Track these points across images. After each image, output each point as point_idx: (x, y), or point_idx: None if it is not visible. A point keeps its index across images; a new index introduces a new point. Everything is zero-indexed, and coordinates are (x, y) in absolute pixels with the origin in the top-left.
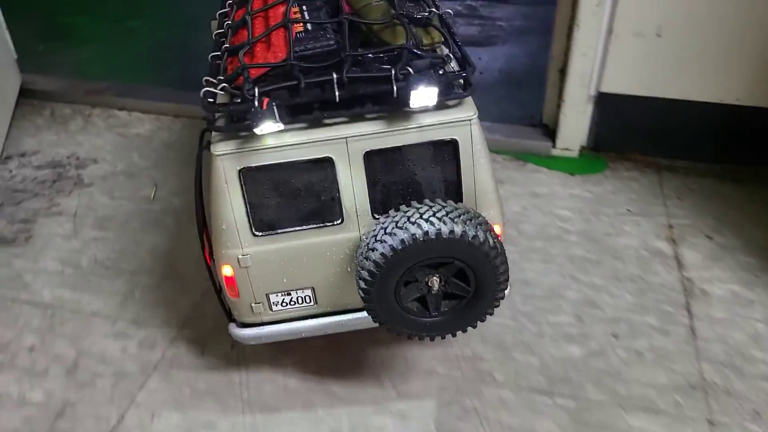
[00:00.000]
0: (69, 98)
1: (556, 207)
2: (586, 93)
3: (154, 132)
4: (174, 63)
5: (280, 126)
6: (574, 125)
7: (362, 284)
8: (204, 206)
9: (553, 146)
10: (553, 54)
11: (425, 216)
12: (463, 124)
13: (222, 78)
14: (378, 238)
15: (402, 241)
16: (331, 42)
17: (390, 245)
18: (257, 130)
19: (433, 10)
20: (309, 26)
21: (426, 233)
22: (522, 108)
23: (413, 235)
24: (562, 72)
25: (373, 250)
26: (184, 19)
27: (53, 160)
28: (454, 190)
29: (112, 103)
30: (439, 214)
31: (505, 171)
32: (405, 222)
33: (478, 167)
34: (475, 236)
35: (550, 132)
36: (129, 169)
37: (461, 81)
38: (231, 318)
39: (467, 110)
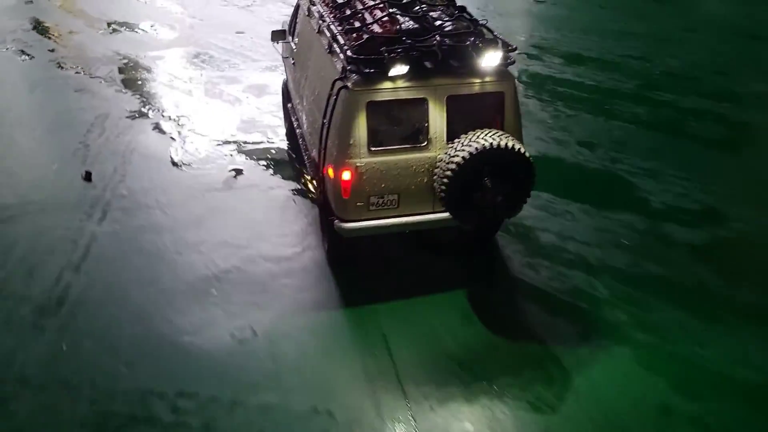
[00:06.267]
0: None
1: None
2: None
3: None
4: None
5: (405, 69)
6: None
7: (445, 181)
8: (326, 134)
9: None
10: None
11: (489, 136)
12: (509, 82)
13: (354, 44)
14: (457, 150)
15: (476, 149)
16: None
17: (468, 152)
18: (391, 72)
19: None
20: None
21: (491, 144)
22: None
23: (483, 145)
24: None
25: (454, 156)
26: None
27: None
28: (499, 126)
29: None
30: (496, 136)
31: None
32: (476, 138)
33: (514, 112)
34: (519, 149)
35: None
36: None
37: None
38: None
39: (511, 75)
